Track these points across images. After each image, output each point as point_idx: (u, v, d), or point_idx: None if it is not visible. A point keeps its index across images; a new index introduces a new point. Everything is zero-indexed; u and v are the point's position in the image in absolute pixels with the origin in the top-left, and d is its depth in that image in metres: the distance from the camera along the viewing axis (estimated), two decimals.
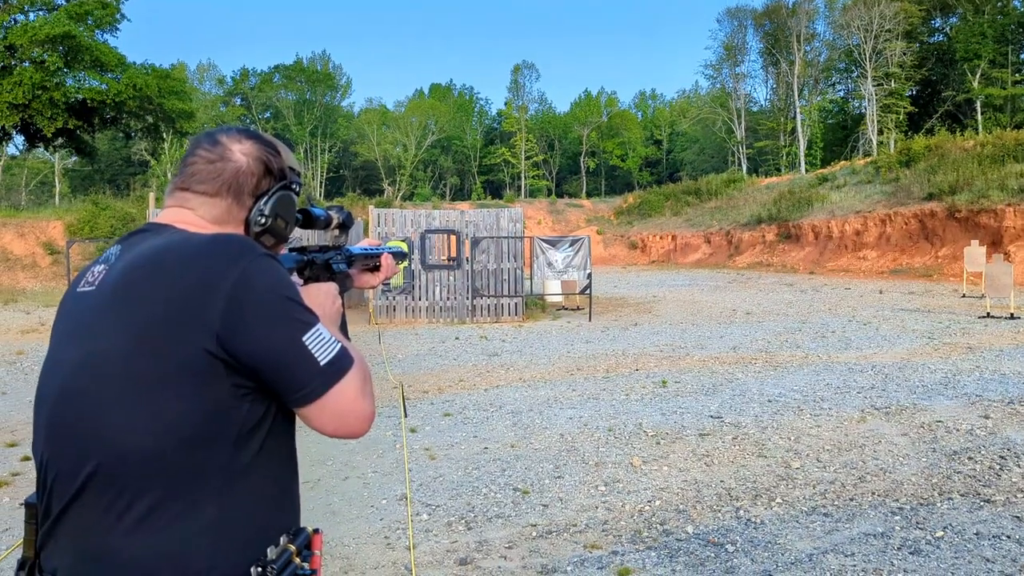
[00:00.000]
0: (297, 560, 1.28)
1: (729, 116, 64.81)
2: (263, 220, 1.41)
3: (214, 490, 1.22)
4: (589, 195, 70.65)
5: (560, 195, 69.67)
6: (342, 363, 1.28)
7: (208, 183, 1.38)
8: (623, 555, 4.16)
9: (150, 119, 38.42)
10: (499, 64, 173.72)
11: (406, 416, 7.29)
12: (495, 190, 75.97)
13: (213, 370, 1.21)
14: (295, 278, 1.54)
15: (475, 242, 16.42)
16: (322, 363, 1.25)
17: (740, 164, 63.00)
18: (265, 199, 1.41)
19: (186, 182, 1.40)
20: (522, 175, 74.87)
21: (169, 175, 56.72)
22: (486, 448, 6.34)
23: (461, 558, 4.14)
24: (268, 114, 73.31)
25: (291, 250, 1.58)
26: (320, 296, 1.50)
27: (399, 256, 1.89)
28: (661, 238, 47.19)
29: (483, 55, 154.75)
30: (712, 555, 4.13)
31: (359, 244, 1.80)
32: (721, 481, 5.38)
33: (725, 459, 5.89)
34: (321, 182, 71.48)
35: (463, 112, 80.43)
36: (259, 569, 1.22)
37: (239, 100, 73.39)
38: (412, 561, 4.03)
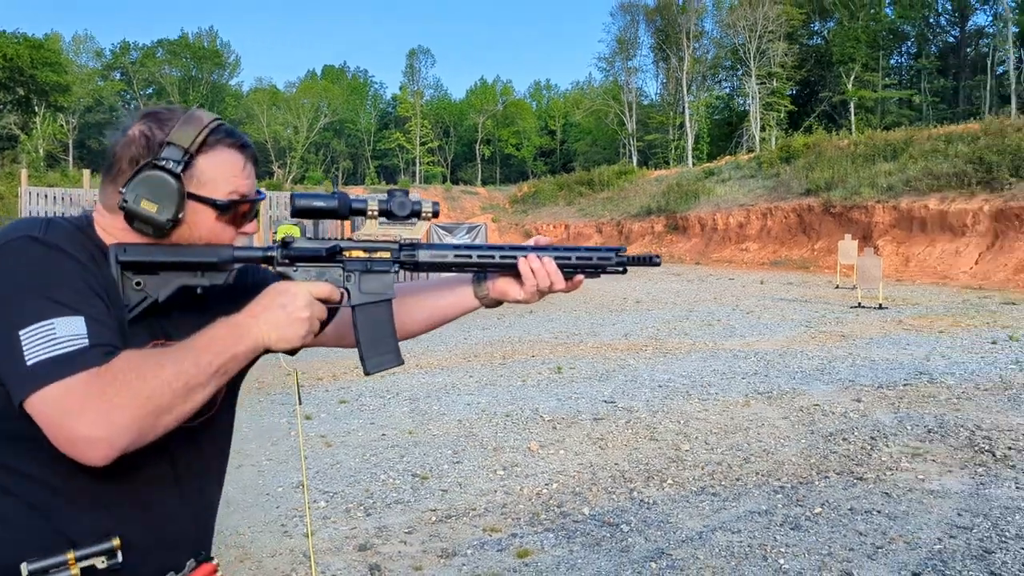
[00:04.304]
0: None
1: (621, 109, 66.07)
2: (122, 202, 1.20)
3: None
4: (484, 183, 70.82)
5: (455, 182, 69.57)
6: (56, 369, 1.05)
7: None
8: (522, 537, 4.23)
9: (20, 91, 36.28)
10: (395, 48, 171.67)
11: (300, 403, 7.16)
12: (389, 175, 75.14)
13: None
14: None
15: None
16: (29, 363, 1.05)
17: (631, 156, 64.33)
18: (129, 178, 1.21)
19: None
20: (417, 161, 74.28)
21: (41, 151, 53.50)
22: (384, 435, 6.31)
23: (360, 544, 4.13)
24: (151, 90, 70.09)
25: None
26: (282, 298, 1.22)
27: None
28: (554, 227, 47.78)
29: (378, 38, 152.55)
30: (608, 535, 4.26)
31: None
32: (615, 464, 5.53)
33: (619, 442, 6.06)
34: None
35: (357, 95, 79.10)
36: None
37: (119, 75, 69.88)
38: (311, 548, 3.97)
